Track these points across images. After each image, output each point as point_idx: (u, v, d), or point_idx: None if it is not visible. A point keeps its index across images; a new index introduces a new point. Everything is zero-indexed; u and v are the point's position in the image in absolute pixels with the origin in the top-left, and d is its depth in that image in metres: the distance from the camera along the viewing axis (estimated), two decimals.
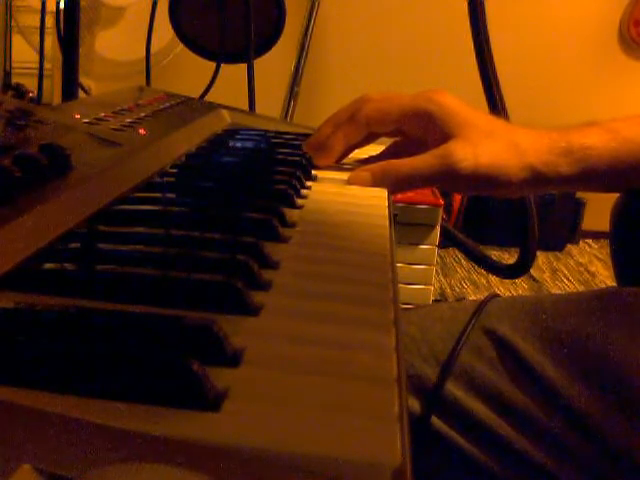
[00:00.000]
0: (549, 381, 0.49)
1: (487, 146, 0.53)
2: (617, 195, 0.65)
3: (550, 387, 0.49)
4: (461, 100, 0.55)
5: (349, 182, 0.54)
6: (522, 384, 0.50)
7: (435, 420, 0.51)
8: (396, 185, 0.54)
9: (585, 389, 0.48)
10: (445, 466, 0.52)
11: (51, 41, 1.56)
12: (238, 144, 0.65)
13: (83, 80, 1.41)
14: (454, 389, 0.51)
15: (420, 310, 0.60)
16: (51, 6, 1.34)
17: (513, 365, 0.50)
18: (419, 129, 0.56)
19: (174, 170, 0.53)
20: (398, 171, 0.54)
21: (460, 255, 2.20)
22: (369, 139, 0.59)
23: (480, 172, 0.52)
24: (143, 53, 1.24)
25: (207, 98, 1.09)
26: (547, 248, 2.39)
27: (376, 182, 0.54)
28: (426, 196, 1.42)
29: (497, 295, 0.58)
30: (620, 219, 0.65)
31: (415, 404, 0.51)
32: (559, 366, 0.49)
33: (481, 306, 0.54)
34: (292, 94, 2.01)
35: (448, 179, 0.53)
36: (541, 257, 2.32)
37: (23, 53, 1.73)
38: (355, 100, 0.58)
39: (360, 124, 0.57)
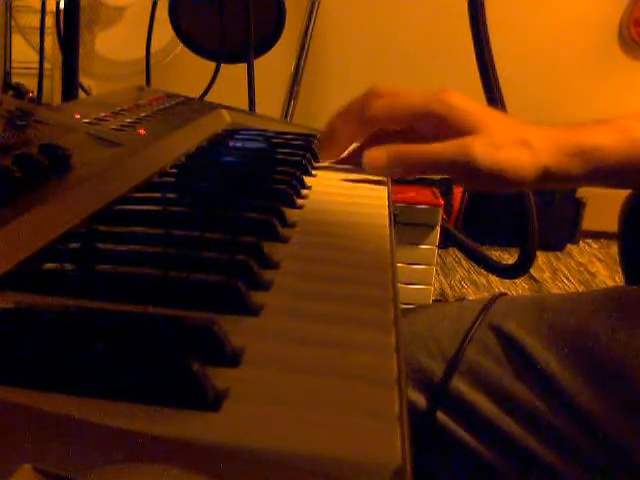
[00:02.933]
0: (554, 378, 0.49)
1: (502, 144, 0.52)
2: (623, 195, 0.64)
3: (555, 384, 0.49)
4: (470, 99, 0.55)
5: (364, 164, 0.53)
6: (527, 380, 0.50)
7: (440, 415, 0.51)
8: (410, 169, 0.53)
9: (589, 386, 0.48)
10: (450, 461, 0.52)
11: (51, 41, 1.56)
12: (238, 144, 0.65)
13: (83, 80, 1.40)
14: (460, 385, 0.51)
15: (427, 308, 0.60)
16: (51, 6, 1.34)
17: (519, 362, 0.51)
18: (431, 129, 0.55)
19: (174, 170, 0.53)
20: (418, 153, 0.53)
21: (460, 255, 2.20)
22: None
23: (495, 169, 0.51)
24: (143, 53, 1.24)
25: (207, 98, 1.09)
26: (547, 248, 2.39)
27: (390, 163, 0.53)
28: (426, 196, 1.42)
29: (504, 293, 0.58)
30: (630, 218, 0.65)
31: (421, 399, 0.52)
32: (564, 363, 0.49)
33: (488, 304, 0.55)
34: (292, 94, 2.01)
35: (464, 171, 0.52)
36: (541, 257, 2.32)
37: (23, 53, 1.73)
38: (365, 93, 0.56)
39: (368, 123, 0.56)
